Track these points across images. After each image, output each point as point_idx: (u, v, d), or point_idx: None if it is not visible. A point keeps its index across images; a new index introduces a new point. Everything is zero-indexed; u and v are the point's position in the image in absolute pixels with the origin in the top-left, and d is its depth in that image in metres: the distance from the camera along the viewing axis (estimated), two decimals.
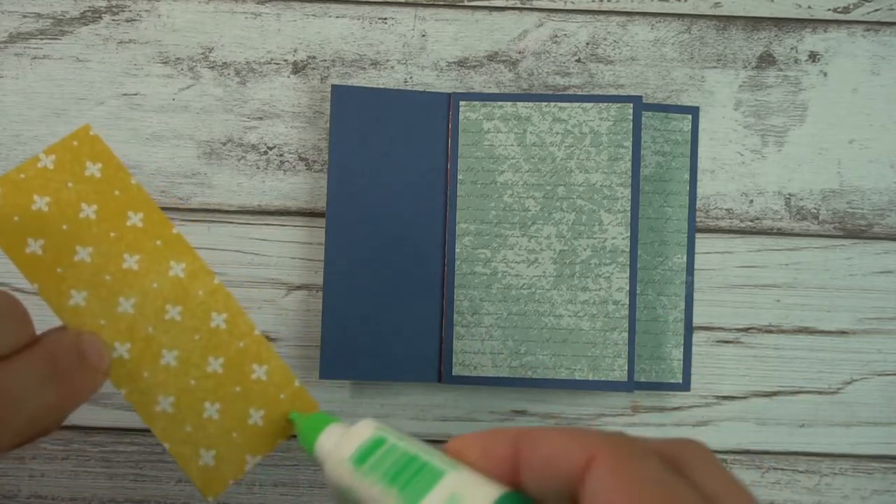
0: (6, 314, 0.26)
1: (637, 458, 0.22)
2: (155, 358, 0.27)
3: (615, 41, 0.42)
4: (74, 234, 0.27)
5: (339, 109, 0.40)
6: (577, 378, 0.39)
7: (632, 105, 0.40)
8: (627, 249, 0.40)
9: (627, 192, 0.40)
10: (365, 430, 0.25)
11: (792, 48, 0.42)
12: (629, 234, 0.40)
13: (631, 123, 0.40)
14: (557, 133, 0.40)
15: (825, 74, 0.42)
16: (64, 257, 0.27)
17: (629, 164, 0.40)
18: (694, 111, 0.41)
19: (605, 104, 0.40)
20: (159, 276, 0.28)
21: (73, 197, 0.27)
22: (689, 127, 0.41)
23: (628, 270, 0.39)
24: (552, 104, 0.40)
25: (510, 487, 0.23)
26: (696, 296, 0.41)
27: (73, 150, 0.27)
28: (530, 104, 0.40)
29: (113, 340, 0.27)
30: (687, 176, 0.41)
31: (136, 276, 0.27)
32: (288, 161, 0.41)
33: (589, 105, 0.40)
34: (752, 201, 0.42)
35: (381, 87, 0.41)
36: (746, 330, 0.42)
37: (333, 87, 0.40)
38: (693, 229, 0.41)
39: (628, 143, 0.40)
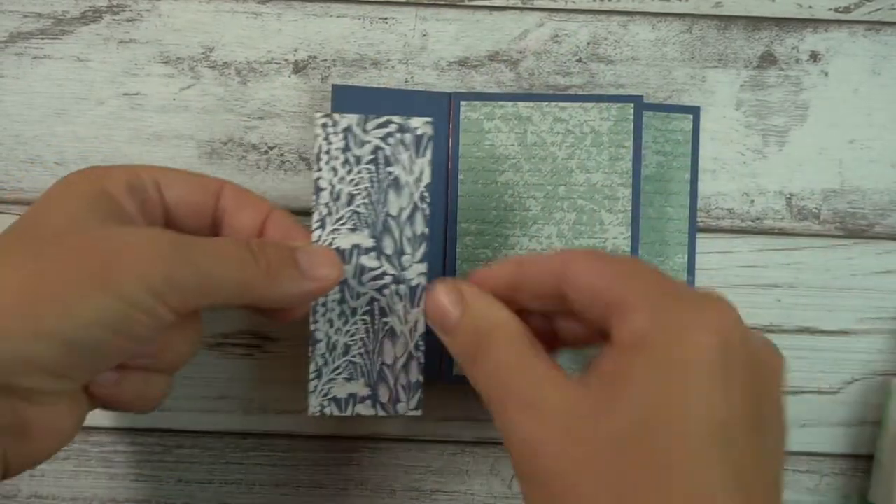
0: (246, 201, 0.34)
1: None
2: None
3: (616, 41, 0.42)
4: None
5: (340, 109, 0.40)
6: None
7: (633, 105, 0.40)
8: (628, 249, 0.40)
9: (628, 192, 0.40)
10: None
11: (793, 48, 0.42)
12: (630, 233, 0.40)
13: (632, 123, 0.40)
14: (558, 133, 0.40)
15: (826, 74, 0.42)
16: None
17: (630, 164, 0.40)
18: (695, 111, 0.41)
19: (606, 104, 0.40)
20: None
21: None
22: (690, 127, 0.41)
23: None
24: (553, 104, 0.40)
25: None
26: None
27: None
28: (531, 104, 0.40)
29: None
30: (688, 176, 0.41)
31: None
32: (289, 161, 0.41)
33: (590, 105, 0.40)
34: (753, 201, 0.42)
35: (382, 86, 0.41)
36: None
37: (334, 86, 0.40)
38: (694, 229, 0.41)
39: (629, 143, 0.40)
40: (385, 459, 0.41)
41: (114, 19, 0.41)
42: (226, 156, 0.41)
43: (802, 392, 0.41)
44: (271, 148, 0.41)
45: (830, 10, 0.42)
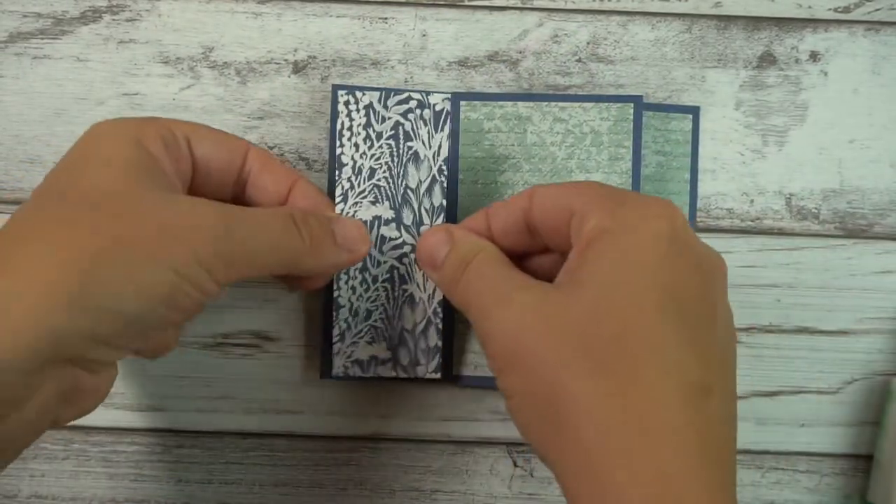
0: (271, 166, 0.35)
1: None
2: None
3: (616, 41, 0.42)
4: None
5: (337, 109, 0.40)
6: None
7: (632, 105, 0.40)
8: None
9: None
10: None
11: (792, 48, 0.42)
12: None
13: (631, 123, 0.40)
14: (558, 133, 0.40)
15: (826, 74, 0.42)
16: None
17: (629, 165, 0.40)
18: (695, 111, 0.41)
19: (606, 104, 0.40)
20: None
21: None
22: (690, 127, 0.41)
23: None
24: (553, 104, 0.40)
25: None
26: None
27: None
28: (531, 104, 0.40)
29: None
30: (688, 176, 0.41)
31: None
32: (289, 160, 0.41)
33: (589, 105, 0.40)
34: (752, 201, 0.42)
35: (382, 86, 0.41)
36: (747, 330, 0.42)
37: (334, 86, 0.40)
38: (694, 229, 0.41)
39: (628, 143, 0.40)
40: (385, 459, 0.41)
41: (113, 19, 0.41)
42: None
43: (802, 392, 0.41)
44: (271, 148, 0.41)
45: (830, 10, 0.42)
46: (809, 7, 0.42)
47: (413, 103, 0.38)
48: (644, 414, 0.28)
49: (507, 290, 0.31)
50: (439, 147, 0.39)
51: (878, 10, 0.42)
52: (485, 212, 0.35)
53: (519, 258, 0.36)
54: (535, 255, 0.36)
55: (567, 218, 0.32)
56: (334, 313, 0.39)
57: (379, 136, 0.38)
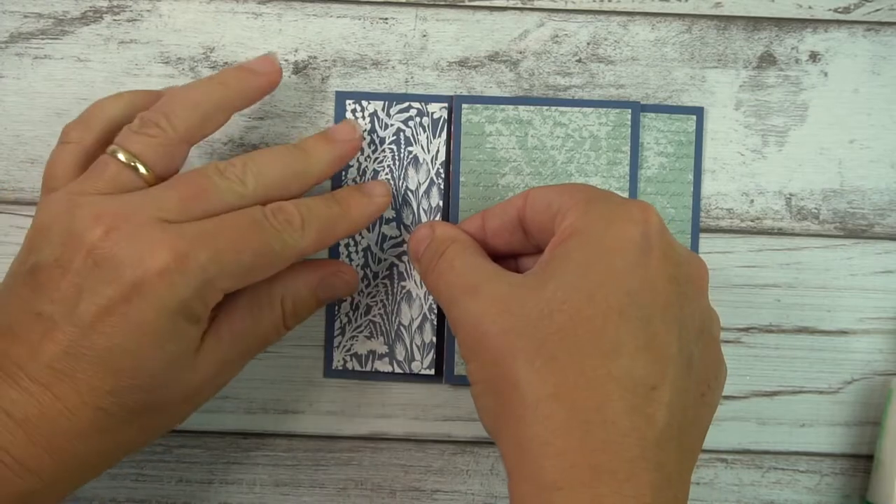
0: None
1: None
2: None
3: (616, 41, 0.42)
4: None
5: (342, 114, 0.40)
6: None
7: (630, 110, 0.40)
8: None
9: (625, 196, 0.40)
10: None
11: (792, 48, 0.42)
12: None
13: (629, 129, 0.40)
14: (558, 137, 0.40)
15: (826, 74, 0.42)
16: None
17: (627, 169, 0.40)
18: (698, 112, 0.41)
19: (605, 109, 0.40)
20: None
21: None
22: (693, 128, 0.41)
23: None
24: (553, 108, 0.40)
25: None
26: None
27: None
28: (532, 108, 0.40)
29: None
30: (690, 177, 0.41)
31: None
32: None
33: (589, 110, 0.40)
34: (752, 201, 0.42)
35: (383, 89, 0.41)
36: (747, 330, 0.42)
37: (339, 94, 0.40)
38: (697, 230, 0.41)
39: (626, 148, 0.40)
40: (385, 459, 0.41)
41: (114, 19, 0.41)
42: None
43: (802, 392, 0.41)
44: None
45: (830, 10, 0.42)
46: (809, 7, 0.42)
47: (413, 111, 0.40)
48: (588, 417, 0.28)
49: (474, 280, 0.33)
50: (437, 152, 0.40)
51: (877, 10, 0.42)
52: (482, 213, 0.36)
53: (514, 258, 0.37)
54: (529, 255, 0.36)
55: (553, 216, 0.33)
56: (336, 307, 0.40)
57: (382, 141, 0.40)
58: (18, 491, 0.30)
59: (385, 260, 0.40)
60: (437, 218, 0.40)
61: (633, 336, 0.29)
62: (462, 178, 0.40)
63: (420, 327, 0.40)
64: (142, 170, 0.34)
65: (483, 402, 0.32)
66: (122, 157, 0.33)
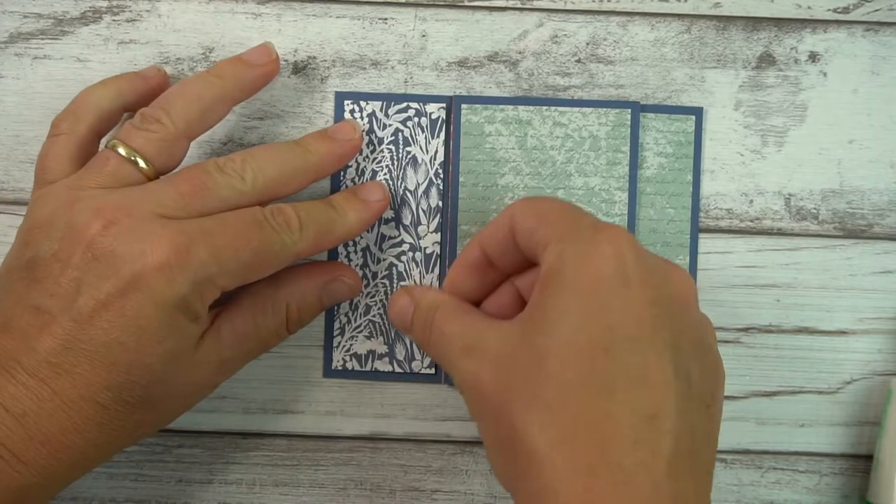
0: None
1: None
2: None
3: (615, 41, 0.42)
4: None
5: (342, 115, 0.40)
6: None
7: (629, 110, 0.40)
8: None
9: (625, 196, 0.40)
10: None
11: (792, 48, 0.42)
12: None
13: (629, 129, 0.40)
14: (557, 137, 0.40)
15: (825, 74, 0.42)
16: None
17: (626, 169, 0.40)
18: (697, 112, 0.41)
19: (605, 109, 0.40)
20: None
21: None
22: (693, 128, 0.41)
23: None
24: (553, 108, 0.40)
25: None
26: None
27: None
28: (531, 108, 0.40)
29: None
30: (690, 177, 0.41)
31: None
32: None
33: (588, 110, 0.40)
34: (751, 201, 0.42)
35: (383, 89, 0.41)
36: (746, 330, 0.42)
37: (338, 94, 0.40)
38: (696, 230, 0.41)
39: (626, 148, 0.40)
40: (385, 459, 0.41)
41: (114, 20, 0.41)
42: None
43: (802, 392, 0.42)
44: None
45: (829, 10, 0.42)
46: (809, 7, 0.42)
47: (411, 112, 0.40)
48: (592, 461, 0.28)
49: (466, 341, 0.32)
50: (436, 152, 0.40)
51: (877, 10, 0.42)
52: (476, 241, 0.35)
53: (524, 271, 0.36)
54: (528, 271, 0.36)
55: (536, 247, 0.32)
56: (336, 307, 0.40)
57: (380, 141, 0.40)
58: (15, 485, 0.30)
59: (384, 260, 0.40)
60: (437, 218, 0.40)
61: (623, 370, 0.28)
62: (461, 179, 0.40)
63: None
64: (142, 164, 0.34)
65: (495, 461, 0.32)
66: (122, 151, 0.34)
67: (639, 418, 0.28)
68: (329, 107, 0.41)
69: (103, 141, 0.38)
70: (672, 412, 0.28)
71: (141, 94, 0.38)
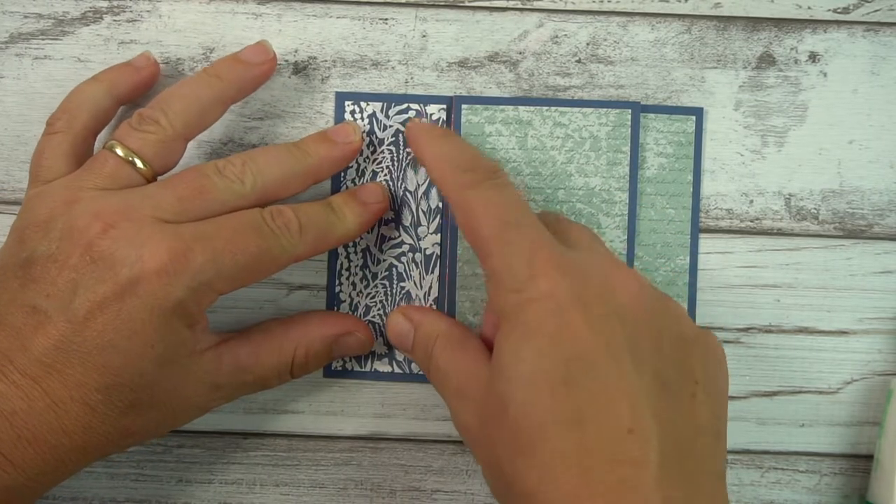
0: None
1: None
2: None
3: (615, 41, 0.42)
4: None
5: (343, 115, 0.40)
6: None
7: (630, 111, 0.40)
8: (625, 253, 0.40)
9: (625, 196, 0.40)
10: None
11: (792, 48, 0.42)
12: (626, 237, 0.40)
13: (629, 129, 0.40)
14: (558, 137, 0.40)
15: (825, 75, 0.42)
16: None
17: (627, 169, 0.40)
18: (698, 112, 0.41)
19: (605, 110, 0.40)
20: None
21: None
22: (693, 128, 0.41)
23: None
24: (553, 109, 0.40)
25: None
26: (696, 296, 0.41)
27: None
28: (531, 108, 0.40)
29: None
30: (690, 177, 0.41)
31: None
32: None
33: (589, 110, 0.40)
34: (752, 201, 0.42)
35: (383, 89, 0.41)
36: (746, 330, 0.42)
37: (338, 95, 0.40)
38: (696, 230, 0.41)
39: (626, 149, 0.40)
40: (385, 459, 0.41)
41: (114, 20, 0.41)
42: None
43: (802, 392, 0.42)
44: None
45: (829, 10, 0.42)
46: (809, 8, 0.42)
47: (412, 113, 0.40)
48: (577, 493, 0.28)
49: (458, 382, 0.33)
50: None
51: (877, 10, 0.42)
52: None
53: None
54: None
55: (489, 273, 0.32)
56: (335, 308, 0.40)
57: (381, 142, 0.40)
58: (2, 485, 0.30)
59: (384, 261, 0.40)
60: (437, 220, 0.40)
61: (587, 397, 0.29)
62: None
63: None
64: (140, 165, 0.34)
65: (494, 493, 0.32)
66: (120, 152, 0.34)
67: (615, 436, 0.28)
68: (329, 107, 0.41)
69: (100, 138, 0.38)
70: (648, 418, 0.28)
71: (134, 86, 0.39)
